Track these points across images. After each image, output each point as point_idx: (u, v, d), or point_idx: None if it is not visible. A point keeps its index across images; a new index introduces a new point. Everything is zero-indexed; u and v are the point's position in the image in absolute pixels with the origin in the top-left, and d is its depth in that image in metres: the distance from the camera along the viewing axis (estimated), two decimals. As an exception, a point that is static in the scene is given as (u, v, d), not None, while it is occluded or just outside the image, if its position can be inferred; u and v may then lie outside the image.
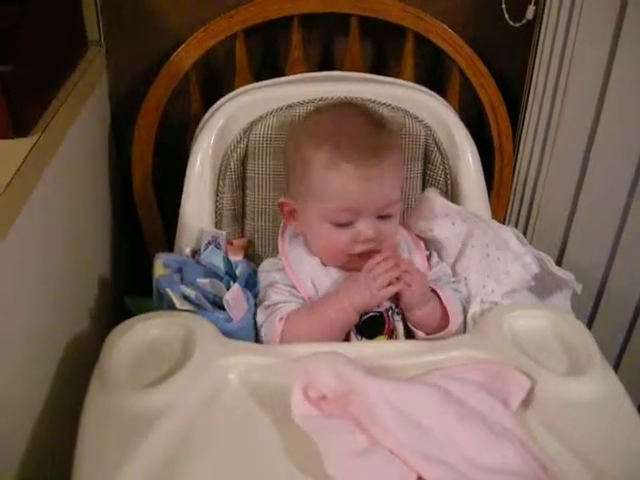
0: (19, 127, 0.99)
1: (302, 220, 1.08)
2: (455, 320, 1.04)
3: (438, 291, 1.05)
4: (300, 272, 1.07)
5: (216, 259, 1.10)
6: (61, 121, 1.10)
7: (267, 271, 1.11)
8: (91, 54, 1.31)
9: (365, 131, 1.03)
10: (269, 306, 1.05)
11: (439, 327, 1.03)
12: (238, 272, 1.11)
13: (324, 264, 1.08)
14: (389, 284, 1.00)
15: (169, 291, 1.02)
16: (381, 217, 1.04)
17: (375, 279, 0.99)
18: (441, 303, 1.04)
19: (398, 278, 1.00)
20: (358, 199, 1.01)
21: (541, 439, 0.84)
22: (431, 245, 1.15)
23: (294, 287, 1.07)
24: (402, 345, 0.98)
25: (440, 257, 1.14)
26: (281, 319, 1.01)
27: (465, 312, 1.07)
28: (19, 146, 0.98)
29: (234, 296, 1.00)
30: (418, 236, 1.15)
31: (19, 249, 0.95)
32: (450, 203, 1.16)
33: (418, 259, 1.11)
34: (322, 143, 1.02)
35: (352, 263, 1.06)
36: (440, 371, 0.92)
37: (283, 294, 1.06)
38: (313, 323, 1.00)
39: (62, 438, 0.91)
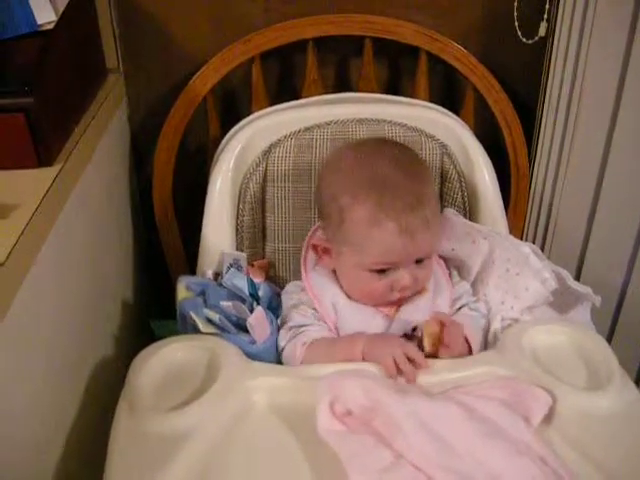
0: (43, 157, 1.02)
1: (336, 259, 1.07)
2: (475, 350, 1.04)
3: (464, 329, 1.04)
4: (322, 296, 1.08)
5: (239, 281, 1.11)
6: (83, 149, 1.13)
7: (291, 292, 1.12)
8: (110, 82, 1.34)
9: (404, 182, 1.01)
10: (292, 327, 1.05)
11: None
12: (261, 294, 1.12)
13: (347, 296, 1.08)
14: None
15: (193, 314, 1.03)
16: (418, 261, 1.03)
17: (401, 363, 0.95)
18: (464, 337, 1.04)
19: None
20: (401, 253, 1.01)
21: (563, 454, 0.85)
22: (451, 263, 1.16)
23: (317, 310, 1.07)
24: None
25: (461, 275, 1.15)
26: (304, 344, 1.02)
27: (485, 329, 1.08)
28: (44, 175, 1.00)
29: (257, 319, 1.01)
30: (440, 256, 1.15)
31: (46, 275, 0.98)
32: (470, 222, 1.18)
33: (442, 279, 1.12)
34: (362, 198, 1.00)
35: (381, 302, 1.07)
36: (463, 388, 0.93)
37: (307, 316, 1.06)
38: (330, 359, 0.99)
39: (91, 462, 0.92)
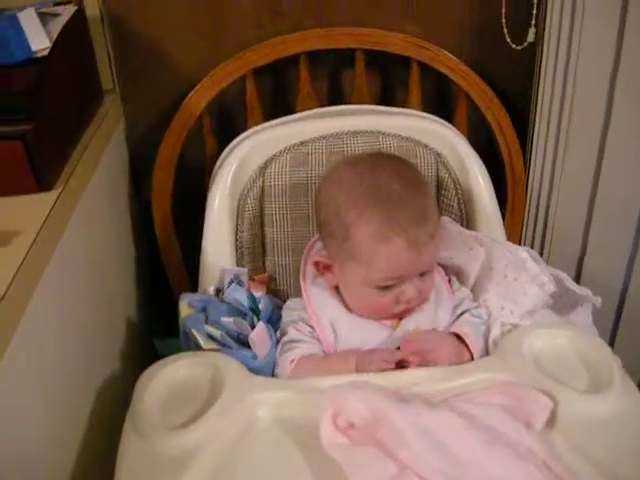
0: (42, 182, 1.03)
1: (339, 275, 1.07)
2: (477, 357, 1.04)
3: (464, 337, 1.05)
4: (322, 315, 1.08)
5: (239, 295, 1.12)
6: (82, 171, 1.14)
7: (292, 309, 1.11)
8: (107, 103, 1.35)
9: (407, 195, 1.01)
10: (286, 342, 1.06)
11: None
12: (261, 307, 1.13)
13: (348, 309, 1.08)
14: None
15: (194, 332, 1.04)
16: (421, 274, 1.04)
17: (393, 360, 0.99)
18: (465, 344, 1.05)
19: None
20: (407, 268, 1.01)
21: (566, 458, 0.85)
22: (450, 271, 1.16)
23: (314, 329, 1.07)
24: (424, 372, 0.99)
25: (460, 282, 1.15)
26: (292, 361, 1.03)
27: (486, 336, 1.08)
28: (44, 200, 1.01)
29: (259, 334, 1.02)
30: (438, 263, 1.15)
31: (50, 296, 0.99)
32: (466, 230, 1.18)
33: (443, 286, 1.12)
34: (368, 214, 1.00)
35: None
36: (464, 396, 0.93)
37: (303, 332, 1.07)
38: (323, 375, 0.99)
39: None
